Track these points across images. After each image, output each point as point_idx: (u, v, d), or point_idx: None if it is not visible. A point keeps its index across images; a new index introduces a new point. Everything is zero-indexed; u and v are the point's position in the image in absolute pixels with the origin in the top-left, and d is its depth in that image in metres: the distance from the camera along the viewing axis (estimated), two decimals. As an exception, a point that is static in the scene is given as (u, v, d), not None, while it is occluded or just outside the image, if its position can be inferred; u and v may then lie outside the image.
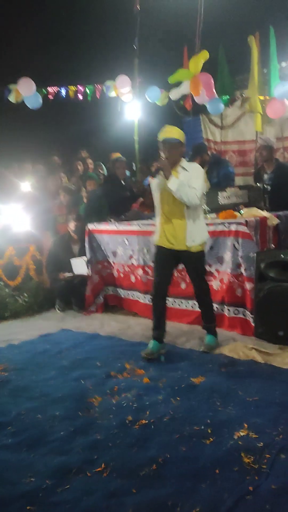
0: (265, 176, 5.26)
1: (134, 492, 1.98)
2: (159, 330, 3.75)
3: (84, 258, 5.31)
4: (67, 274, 5.35)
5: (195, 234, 3.56)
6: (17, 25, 7.16)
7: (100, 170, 6.90)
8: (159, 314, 3.77)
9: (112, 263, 5.20)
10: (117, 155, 7.39)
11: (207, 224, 4.24)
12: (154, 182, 3.63)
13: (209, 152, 6.43)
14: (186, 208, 3.51)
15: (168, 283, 3.79)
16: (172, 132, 3.52)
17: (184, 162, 3.59)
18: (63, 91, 5.83)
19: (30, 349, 4.04)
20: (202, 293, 3.78)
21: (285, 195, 4.92)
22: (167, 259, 3.69)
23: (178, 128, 3.58)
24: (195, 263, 3.67)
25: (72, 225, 5.45)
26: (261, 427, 2.42)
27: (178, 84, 5.53)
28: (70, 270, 5.38)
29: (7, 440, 2.49)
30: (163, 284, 3.75)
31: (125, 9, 5.91)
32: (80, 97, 5.89)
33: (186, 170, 3.52)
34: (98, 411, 2.77)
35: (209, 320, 3.83)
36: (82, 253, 5.41)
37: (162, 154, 3.52)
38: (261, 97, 5.68)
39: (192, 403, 2.77)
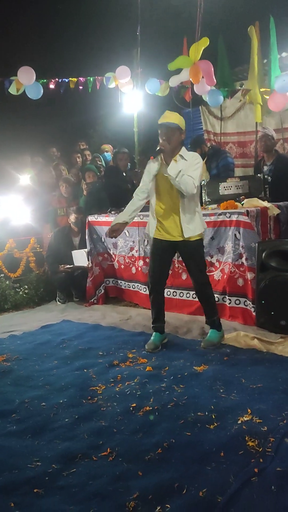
0: (265, 168, 5.26)
1: (140, 476, 1.99)
2: (159, 323, 3.74)
3: (85, 250, 5.31)
4: (67, 266, 5.36)
5: (192, 225, 3.47)
6: (18, 17, 7.13)
7: (99, 162, 6.88)
8: (158, 307, 3.73)
9: (112, 254, 5.20)
10: (108, 146, 7.39)
11: (208, 215, 4.26)
12: (152, 165, 3.52)
13: (208, 144, 6.43)
14: (182, 198, 3.42)
15: (165, 276, 3.73)
16: (171, 117, 3.41)
17: (183, 151, 3.47)
18: (64, 83, 5.80)
19: (32, 339, 4.05)
20: (201, 286, 3.61)
21: (285, 186, 4.92)
22: (164, 252, 3.61)
23: (179, 114, 3.49)
24: (193, 253, 3.55)
25: (72, 218, 5.45)
26: (265, 412, 2.44)
27: (178, 71, 5.50)
28: (71, 262, 5.38)
29: (12, 427, 2.50)
30: (161, 278, 3.68)
31: (126, 1, 5.88)
32: (81, 87, 5.85)
33: (185, 159, 3.42)
34: (102, 398, 2.78)
35: (211, 314, 3.66)
36: (82, 245, 5.41)
37: (161, 139, 3.42)
38: (262, 89, 5.66)
39: (195, 391, 2.78)
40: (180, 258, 4.04)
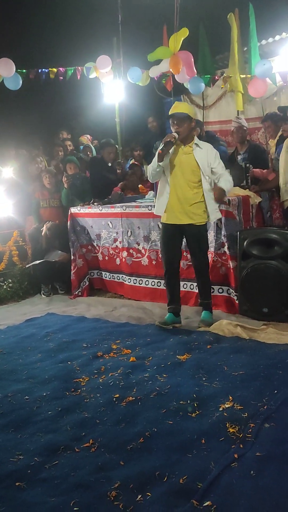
0: (239, 157, 5.29)
1: (122, 465, 2.01)
2: (174, 304, 3.90)
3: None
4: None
5: (203, 210, 3.68)
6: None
7: (89, 153, 6.83)
8: (173, 289, 3.91)
9: (96, 246, 5.18)
10: (84, 138, 7.33)
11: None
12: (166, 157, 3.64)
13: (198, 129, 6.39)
14: (194, 185, 3.65)
15: (178, 259, 3.92)
16: (180, 107, 3.69)
17: (197, 139, 3.75)
18: (44, 73, 5.72)
19: (16, 333, 4.03)
20: (202, 268, 3.80)
21: None
22: (175, 236, 3.78)
23: (187, 104, 3.68)
24: (199, 236, 3.73)
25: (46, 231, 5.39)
26: (246, 399, 2.47)
27: (158, 62, 5.45)
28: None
29: (-6, 422, 2.49)
30: (174, 261, 3.86)
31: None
32: (61, 78, 5.77)
33: (200, 147, 3.69)
34: (85, 390, 2.79)
35: (206, 296, 3.87)
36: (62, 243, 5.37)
37: (172, 129, 3.66)
38: (243, 76, 5.63)
39: (178, 379, 2.80)
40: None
